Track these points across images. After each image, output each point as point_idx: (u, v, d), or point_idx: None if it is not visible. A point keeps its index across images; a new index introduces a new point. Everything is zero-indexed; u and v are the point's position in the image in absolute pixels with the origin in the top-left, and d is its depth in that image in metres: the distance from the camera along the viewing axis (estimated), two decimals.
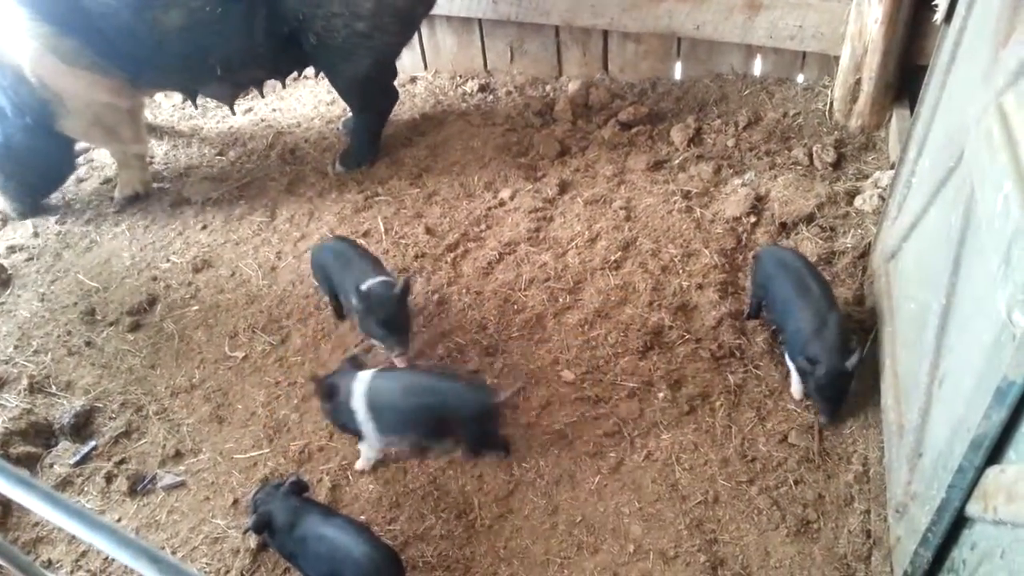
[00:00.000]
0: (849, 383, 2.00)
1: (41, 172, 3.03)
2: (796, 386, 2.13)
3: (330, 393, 1.98)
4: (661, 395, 2.18)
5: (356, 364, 2.06)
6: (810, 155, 2.79)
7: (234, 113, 3.16)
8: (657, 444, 2.09)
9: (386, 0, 2.66)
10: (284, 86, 3.18)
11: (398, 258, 2.69)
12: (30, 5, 2.46)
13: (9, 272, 2.89)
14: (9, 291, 2.84)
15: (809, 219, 2.57)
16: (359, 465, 2.11)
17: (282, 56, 2.83)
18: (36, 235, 3.06)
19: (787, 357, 2.12)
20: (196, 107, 3.15)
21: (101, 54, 2.60)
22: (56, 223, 3.09)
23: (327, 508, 1.91)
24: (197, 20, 2.54)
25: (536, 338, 2.39)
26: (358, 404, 1.95)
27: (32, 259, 2.96)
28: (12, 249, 3.01)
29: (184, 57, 2.67)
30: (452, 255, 2.67)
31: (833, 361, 1.95)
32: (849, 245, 2.48)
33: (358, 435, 2.04)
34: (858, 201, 2.59)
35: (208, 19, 2.54)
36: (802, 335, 2.03)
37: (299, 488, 1.88)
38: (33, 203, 3.12)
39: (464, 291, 2.55)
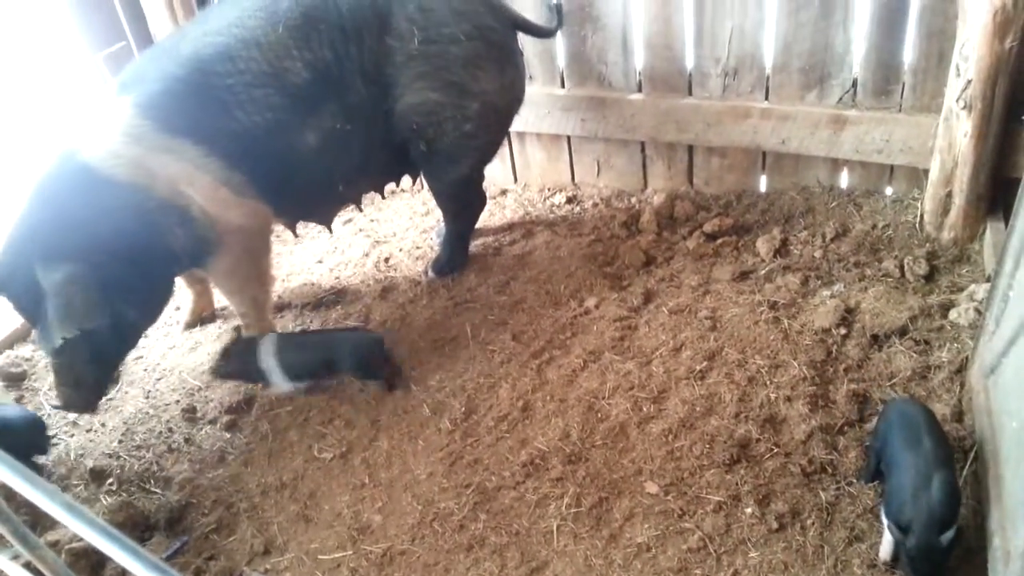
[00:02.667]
0: (945, 559, 1.79)
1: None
2: (885, 547, 1.93)
3: (245, 350, 2.68)
4: (749, 510, 2.12)
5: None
6: (901, 267, 2.75)
7: (331, 232, 3.26)
8: (745, 562, 2.02)
9: (490, 101, 2.82)
10: (383, 196, 3.30)
11: (483, 363, 2.75)
12: (205, 142, 2.48)
13: (119, 370, 3.07)
14: (118, 388, 3.01)
15: (902, 332, 2.51)
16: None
17: (391, 167, 2.99)
18: (145, 336, 3.26)
19: (883, 513, 1.95)
20: (296, 235, 3.19)
21: (255, 183, 2.62)
22: (164, 324, 3.29)
23: None
24: (329, 138, 2.64)
25: (619, 447, 2.37)
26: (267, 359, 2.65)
27: (141, 358, 3.14)
28: None
29: (316, 178, 2.74)
30: (537, 362, 2.71)
31: (926, 535, 1.76)
32: (945, 359, 2.40)
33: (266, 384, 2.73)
34: (953, 314, 2.52)
35: (337, 137, 2.64)
36: (901, 494, 1.86)
37: None
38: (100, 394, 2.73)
39: (548, 398, 2.57)
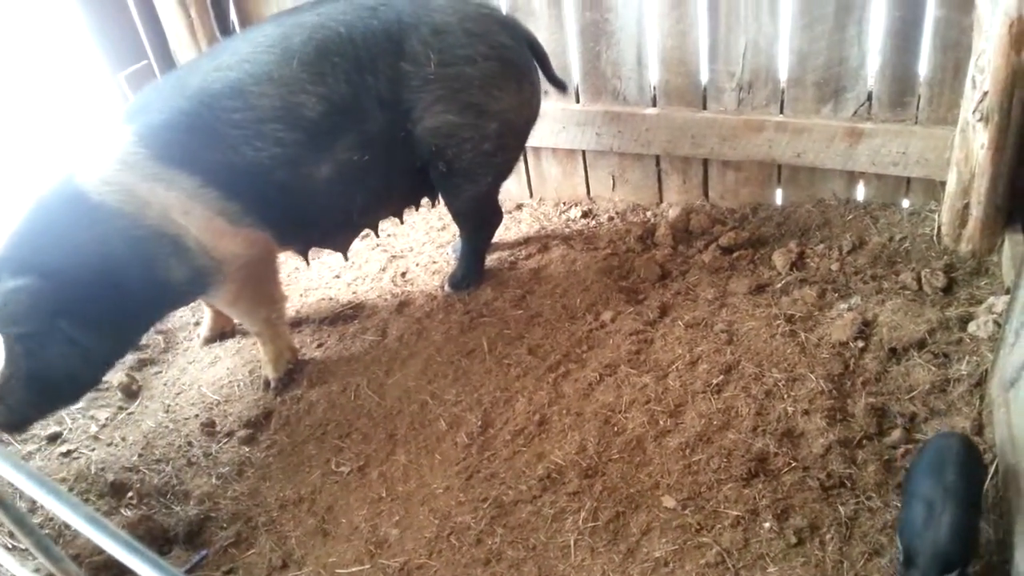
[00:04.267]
0: None
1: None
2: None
3: None
4: (767, 525, 2.11)
5: None
6: (919, 280, 2.74)
7: (347, 259, 3.24)
8: None
9: (508, 119, 2.83)
10: (402, 222, 3.28)
11: (500, 377, 2.75)
12: (201, 173, 2.48)
13: (139, 384, 3.11)
14: (138, 402, 3.04)
15: (920, 345, 2.50)
16: None
17: (410, 191, 3.00)
18: (166, 350, 3.29)
19: (898, 535, 1.89)
20: (308, 264, 3.16)
21: (256, 214, 2.61)
22: (184, 339, 3.32)
23: None
24: (345, 170, 2.64)
25: (636, 461, 2.37)
26: None
27: (161, 372, 3.18)
28: (143, 363, 3.24)
29: (328, 209, 2.75)
30: (553, 375, 2.71)
31: (928, 572, 1.71)
32: (964, 372, 2.39)
33: None
34: (972, 327, 2.51)
35: (354, 167, 2.64)
36: (914, 523, 1.80)
37: None
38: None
39: (565, 412, 2.57)
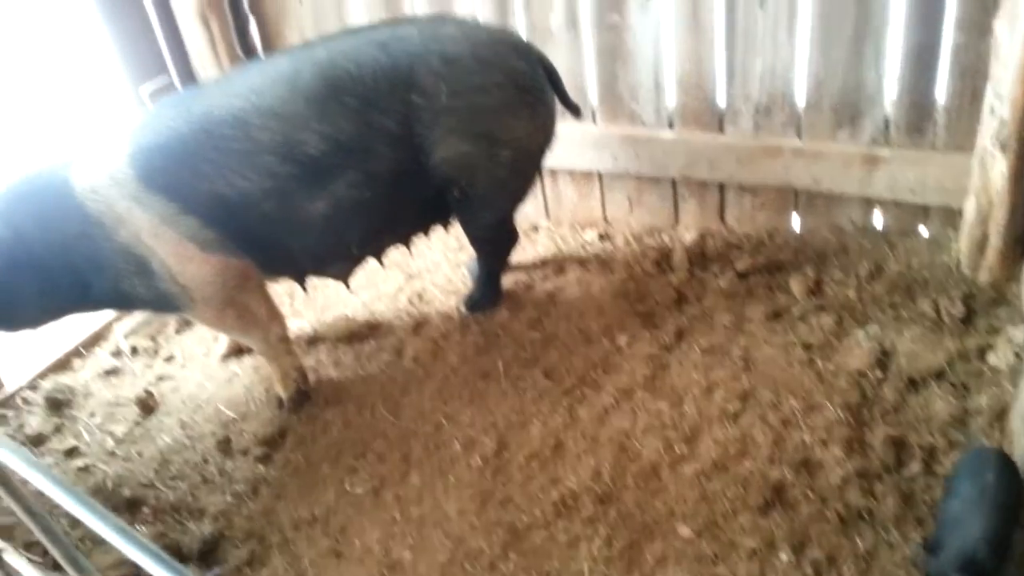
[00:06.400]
0: None
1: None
2: None
3: None
4: (784, 557, 2.10)
5: None
6: (937, 308, 2.73)
7: (349, 288, 3.21)
8: None
9: (522, 146, 2.81)
10: (410, 251, 3.23)
11: (515, 400, 2.76)
12: (182, 199, 2.49)
13: (157, 399, 3.13)
14: (155, 417, 3.06)
15: (939, 375, 2.49)
16: None
17: (419, 220, 2.98)
18: (183, 366, 3.31)
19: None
20: (305, 291, 3.09)
21: (236, 242, 2.60)
22: (203, 355, 3.34)
23: None
24: (343, 206, 2.61)
25: (651, 488, 2.36)
26: None
27: (178, 388, 3.20)
28: (161, 378, 3.26)
29: (321, 242, 2.72)
30: (568, 399, 2.72)
31: (949, 569, 1.73)
32: (984, 404, 2.37)
33: None
34: (991, 358, 2.50)
35: (354, 202, 2.61)
36: (949, 515, 1.85)
37: None
38: None
39: (580, 436, 2.57)
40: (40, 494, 0.91)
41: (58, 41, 3.90)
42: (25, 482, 1.02)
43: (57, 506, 0.93)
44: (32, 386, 3.23)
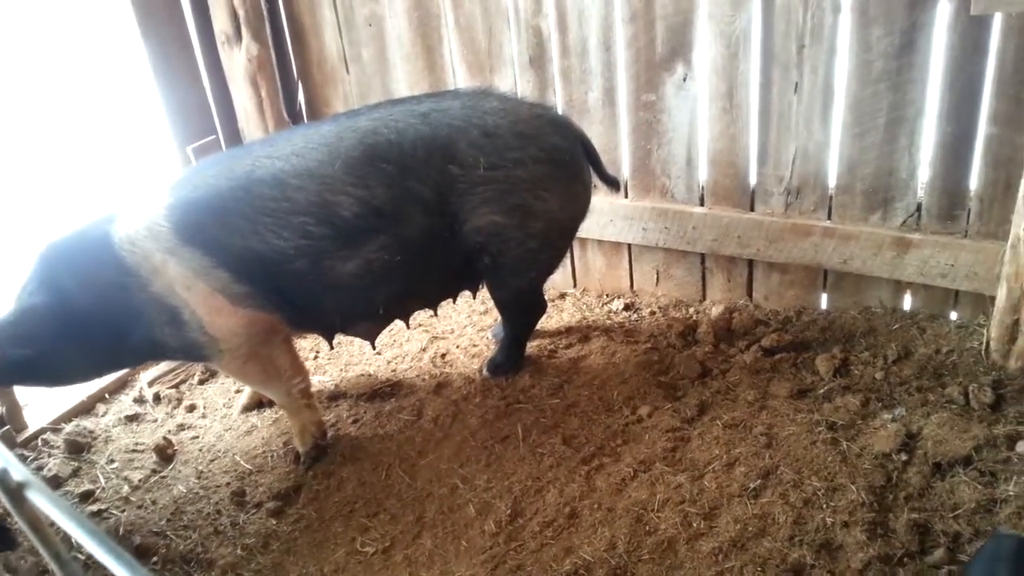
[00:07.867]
0: None
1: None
2: None
3: None
4: None
5: None
6: (966, 394, 2.67)
7: (375, 348, 3.26)
8: None
9: (554, 218, 2.85)
10: (436, 314, 3.28)
11: (533, 466, 2.73)
12: (216, 254, 2.56)
13: (175, 447, 3.14)
14: (172, 466, 3.07)
15: (966, 462, 2.42)
16: None
17: (447, 287, 3.02)
18: (204, 416, 3.33)
19: None
20: (331, 347, 3.16)
21: (267, 297, 2.65)
22: (224, 406, 3.37)
23: None
24: (374, 268, 2.66)
25: (667, 563, 2.30)
26: None
27: (198, 438, 3.21)
28: (181, 427, 3.28)
29: (350, 302, 2.76)
30: (586, 468, 2.68)
31: None
32: (1012, 493, 2.30)
33: None
34: (1020, 447, 2.42)
35: (384, 265, 2.66)
36: None
37: None
38: None
39: (596, 506, 2.53)
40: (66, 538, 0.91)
41: (111, 98, 4.07)
42: (56, 528, 1.02)
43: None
44: (55, 428, 3.27)
